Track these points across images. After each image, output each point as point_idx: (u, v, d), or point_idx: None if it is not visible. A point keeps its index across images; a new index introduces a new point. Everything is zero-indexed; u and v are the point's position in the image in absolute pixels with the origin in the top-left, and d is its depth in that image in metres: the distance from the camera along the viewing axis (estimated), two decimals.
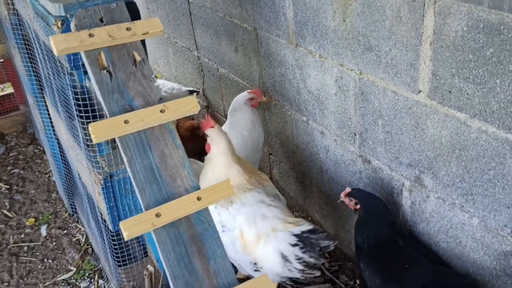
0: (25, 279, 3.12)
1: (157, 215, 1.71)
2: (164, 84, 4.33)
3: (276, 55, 3.02)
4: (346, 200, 2.43)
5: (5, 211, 3.71)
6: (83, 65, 1.92)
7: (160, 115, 1.82)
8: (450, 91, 1.98)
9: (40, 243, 3.41)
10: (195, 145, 3.81)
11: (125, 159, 1.78)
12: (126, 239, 1.67)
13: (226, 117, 4.01)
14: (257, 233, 2.46)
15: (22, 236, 3.48)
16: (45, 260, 3.26)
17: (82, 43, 1.80)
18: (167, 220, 1.72)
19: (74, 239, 3.39)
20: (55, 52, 1.78)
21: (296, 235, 2.36)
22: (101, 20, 1.92)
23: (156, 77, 4.23)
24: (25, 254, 3.32)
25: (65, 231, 3.46)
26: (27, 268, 3.20)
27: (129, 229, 1.68)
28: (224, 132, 2.79)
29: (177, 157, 1.84)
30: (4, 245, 3.40)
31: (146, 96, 1.86)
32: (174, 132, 1.87)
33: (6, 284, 3.08)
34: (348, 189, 2.44)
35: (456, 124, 2.02)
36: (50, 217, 3.60)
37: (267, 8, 2.90)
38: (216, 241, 1.78)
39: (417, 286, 2.12)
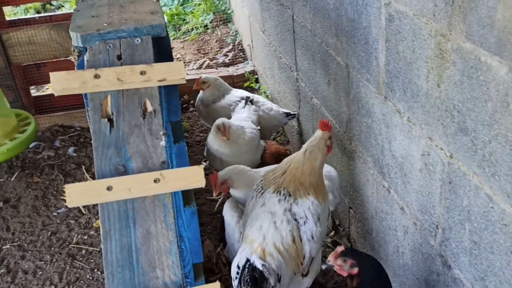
0: (71, 286, 3.08)
1: None
2: (263, 103, 4.00)
3: (364, 102, 2.49)
4: (337, 263, 1.79)
5: (80, 206, 3.75)
6: None
7: (152, 186, 1.49)
8: None
9: (98, 249, 3.36)
10: None
11: (101, 231, 1.49)
12: None
13: None
14: (248, 234, 2.34)
15: (85, 237, 3.47)
16: (95, 270, 3.19)
17: (85, 85, 1.54)
18: None
19: None
20: (53, 92, 1.55)
21: (247, 261, 2.15)
22: (119, 57, 1.64)
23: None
24: (81, 258, 3.29)
25: None
26: (77, 275, 3.16)
27: None
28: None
29: (165, 240, 1.49)
30: (67, 243, 3.42)
31: (146, 157, 1.54)
32: (169, 207, 1.53)
33: (53, 287, 3.08)
34: (340, 248, 1.81)
35: None
36: None
37: (360, 45, 2.37)
38: None
39: None
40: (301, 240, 2.36)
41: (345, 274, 1.85)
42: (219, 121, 3.37)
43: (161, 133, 1.56)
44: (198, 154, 4.41)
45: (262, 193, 2.51)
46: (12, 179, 4.05)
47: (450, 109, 1.72)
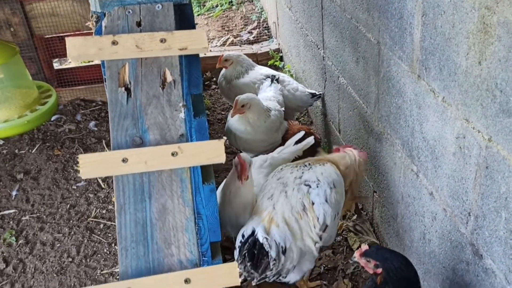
0: (88, 260, 3.07)
1: None
2: (289, 82, 3.88)
3: (395, 81, 2.36)
4: (362, 262, 1.83)
5: (100, 180, 3.73)
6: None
7: (170, 159, 1.41)
8: None
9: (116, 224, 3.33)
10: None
11: (115, 204, 1.42)
12: None
13: (340, 131, 3.46)
14: (258, 205, 2.36)
15: (104, 211, 3.45)
16: (113, 244, 3.17)
17: (101, 51, 1.46)
18: None
19: None
20: (69, 58, 1.47)
21: (253, 232, 2.12)
22: (138, 24, 1.55)
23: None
24: (99, 232, 3.28)
25: None
26: (94, 249, 3.15)
27: None
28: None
29: (181, 216, 1.42)
30: (85, 217, 3.40)
31: (164, 130, 1.46)
32: (187, 182, 1.45)
33: (70, 259, 3.07)
34: (365, 247, 1.84)
35: None
36: None
37: (394, 21, 2.24)
38: None
39: None
40: (313, 204, 2.28)
41: (371, 271, 1.87)
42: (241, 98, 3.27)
43: (181, 104, 1.47)
44: (219, 132, 4.33)
45: (280, 171, 2.46)
46: (33, 151, 4.05)
47: (492, 89, 1.59)
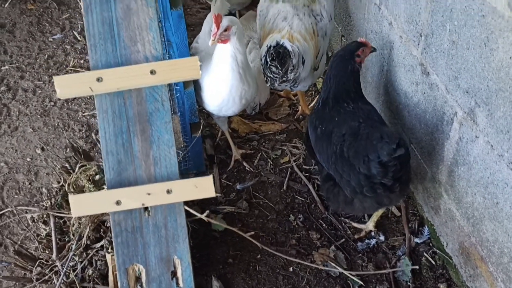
0: (70, 104, 3.22)
1: (98, 80, 1.48)
2: None
3: None
4: None
5: (75, 33, 3.76)
6: None
7: None
8: None
9: None
10: None
11: (82, 4, 1.51)
12: (59, 97, 1.49)
13: None
14: (272, 28, 2.51)
15: (82, 62, 3.54)
16: None
17: None
18: (111, 88, 1.49)
19: None
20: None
21: (278, 43, 2.30)
22: None
23: None
24: None
25: None
26: None
27: (62, 87, 1.48)
28: None
29: (145, 16, 1.52)
30: (64, 66, 3.49)
31: None
32: None
33: (52, 104, 3.22)
34: None
35: None
36: None
37: None
38: (165, 126, 1.53)
39: (340, 135, 2.05)
40: (317, 36, 2.54)
41: None
42: None
43: None
44: None
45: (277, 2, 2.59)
46: (6, 5, 4.00)
47: None
